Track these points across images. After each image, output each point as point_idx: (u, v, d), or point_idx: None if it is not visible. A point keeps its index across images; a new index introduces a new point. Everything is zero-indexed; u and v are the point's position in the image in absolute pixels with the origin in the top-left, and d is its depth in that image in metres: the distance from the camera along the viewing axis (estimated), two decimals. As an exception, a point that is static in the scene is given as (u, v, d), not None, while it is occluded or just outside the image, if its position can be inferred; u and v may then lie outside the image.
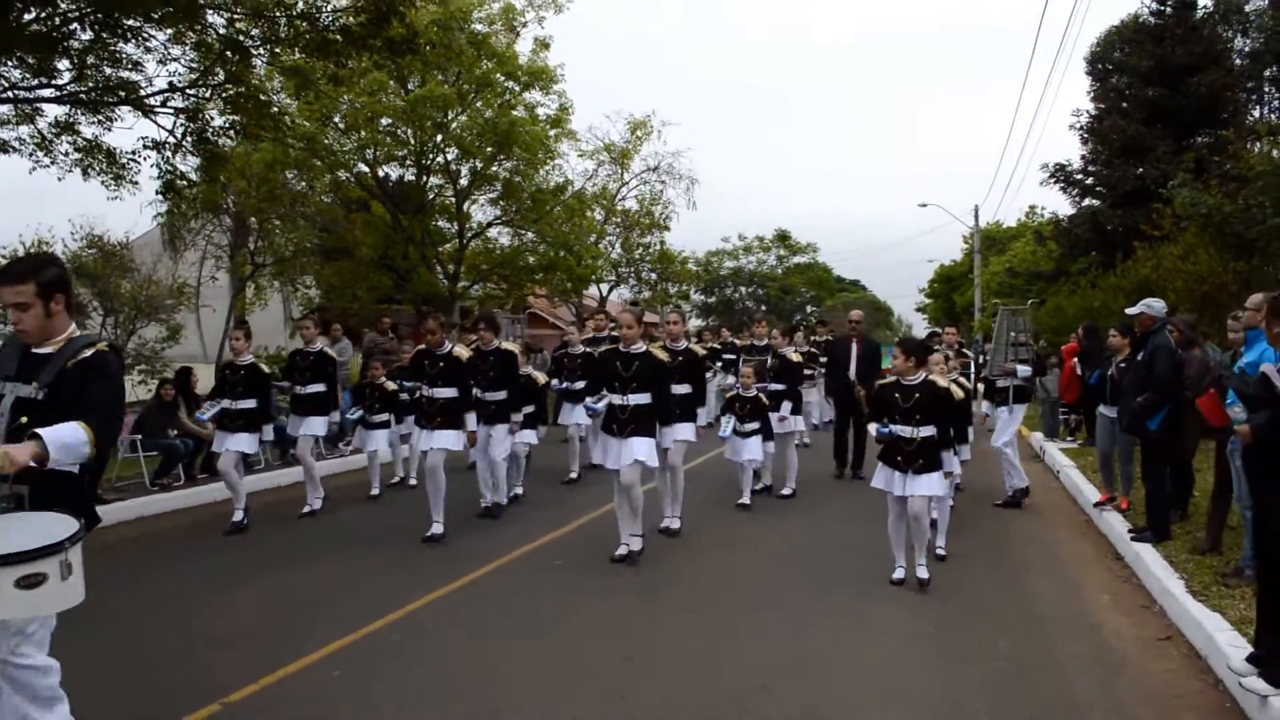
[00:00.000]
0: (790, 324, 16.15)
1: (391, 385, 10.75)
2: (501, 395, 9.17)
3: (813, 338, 17.81)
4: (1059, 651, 5.50)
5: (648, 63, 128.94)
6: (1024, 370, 9.99)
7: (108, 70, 10.85)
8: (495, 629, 5.81)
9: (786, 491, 10.42)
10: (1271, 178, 10.19)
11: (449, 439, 8.26)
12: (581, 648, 5.47)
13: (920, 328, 52.29)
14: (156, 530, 9.12)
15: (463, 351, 8.45)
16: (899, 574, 6.78)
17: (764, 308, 51.81)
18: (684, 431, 8.32)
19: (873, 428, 6.86)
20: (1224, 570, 6.45)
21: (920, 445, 6.59)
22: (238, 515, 8.89)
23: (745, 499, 9.77)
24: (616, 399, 7.26)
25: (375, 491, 10.69)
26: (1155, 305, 8.24)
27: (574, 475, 11.45)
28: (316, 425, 9.72)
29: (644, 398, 7.27)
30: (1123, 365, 8.64)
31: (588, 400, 7.50)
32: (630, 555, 7.42)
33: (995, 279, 38.44)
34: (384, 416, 10.99)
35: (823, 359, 16.85)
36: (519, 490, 10.31)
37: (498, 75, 19.97)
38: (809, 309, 55.75)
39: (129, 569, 7.43)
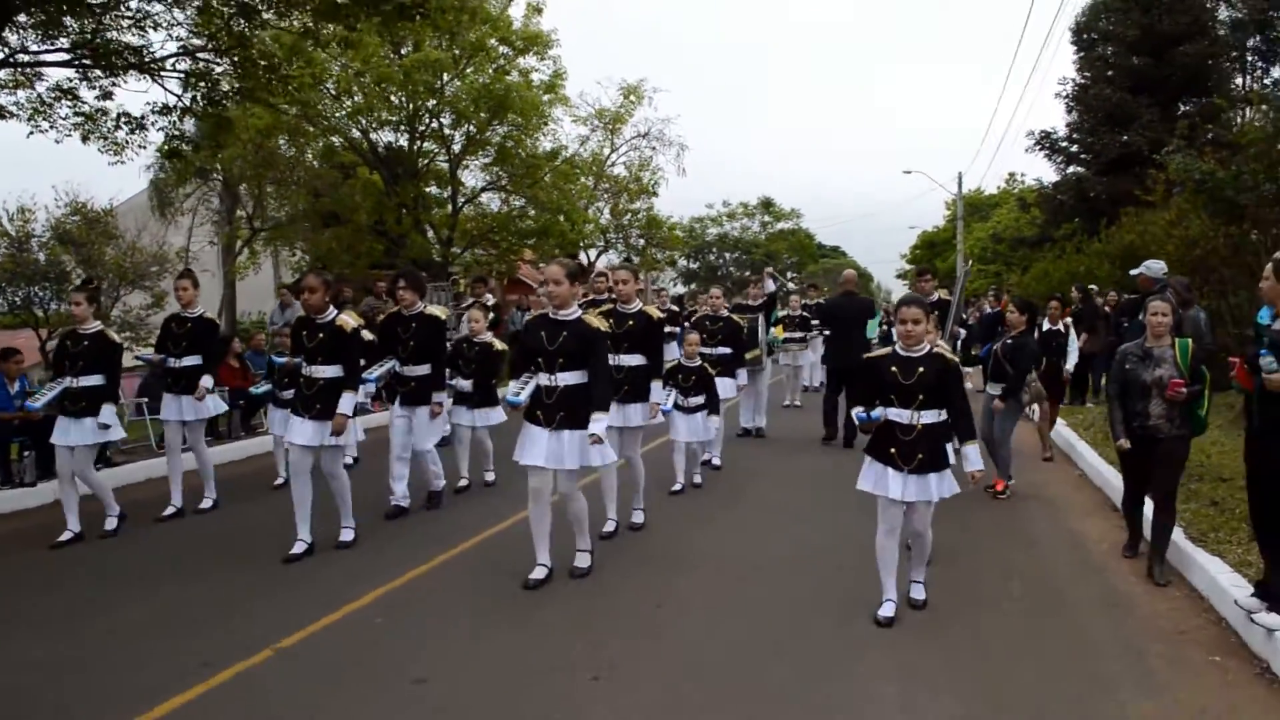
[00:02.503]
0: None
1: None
2: (424, 370, 7.73)
3: (804, 301, 17.96)
4: (1068, 595, 5.76)
5: (632, 30, 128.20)
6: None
7: (112, 35, 10.80)
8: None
9: (716, 462, 9.75)
10: (1263, 145, 10.41)
11: (329, 430, 6.53)
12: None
13: (900, 294, 52.71)
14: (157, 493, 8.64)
15: (347, 320, 6.66)
16: (888, 610, 5.16)
17: (749, 273, 52.13)
18: (635, 415, 7.00)
19: (855, 412, 5.38)
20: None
21: (921, 435, 5.11)
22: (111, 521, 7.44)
23: (697, 477, 8.86)
24: (543, 379, 5.78)
25: (279, 480, 9.09)
26: (1154, 267, 8.53)
27: None
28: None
29: (575, 376, 5.78)
30: (1009, 342, 8.28)
31: (510, 388, 5.85)
32: (575, 572, 6.05)
33: (979, 245, 38.82)
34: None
35: (814, 322, 17.16)
36: (489, 476, 9.03)
37: (491, 40, 19.97)
38: (789, 275, 56.02)
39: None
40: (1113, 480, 8.60)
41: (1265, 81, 27.59)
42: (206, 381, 7.79)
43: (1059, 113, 38.46)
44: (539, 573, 5.85)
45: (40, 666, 4.65)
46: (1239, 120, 22.66)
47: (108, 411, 7.16)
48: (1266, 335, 4.67)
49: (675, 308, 17.39)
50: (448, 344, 8.33)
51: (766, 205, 55.70)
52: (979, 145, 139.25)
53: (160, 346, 8.04)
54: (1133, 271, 8.57)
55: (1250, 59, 28.70)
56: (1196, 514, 6.92)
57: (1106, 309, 14.13)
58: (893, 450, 5.15)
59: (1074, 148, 28.01)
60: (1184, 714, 4.14)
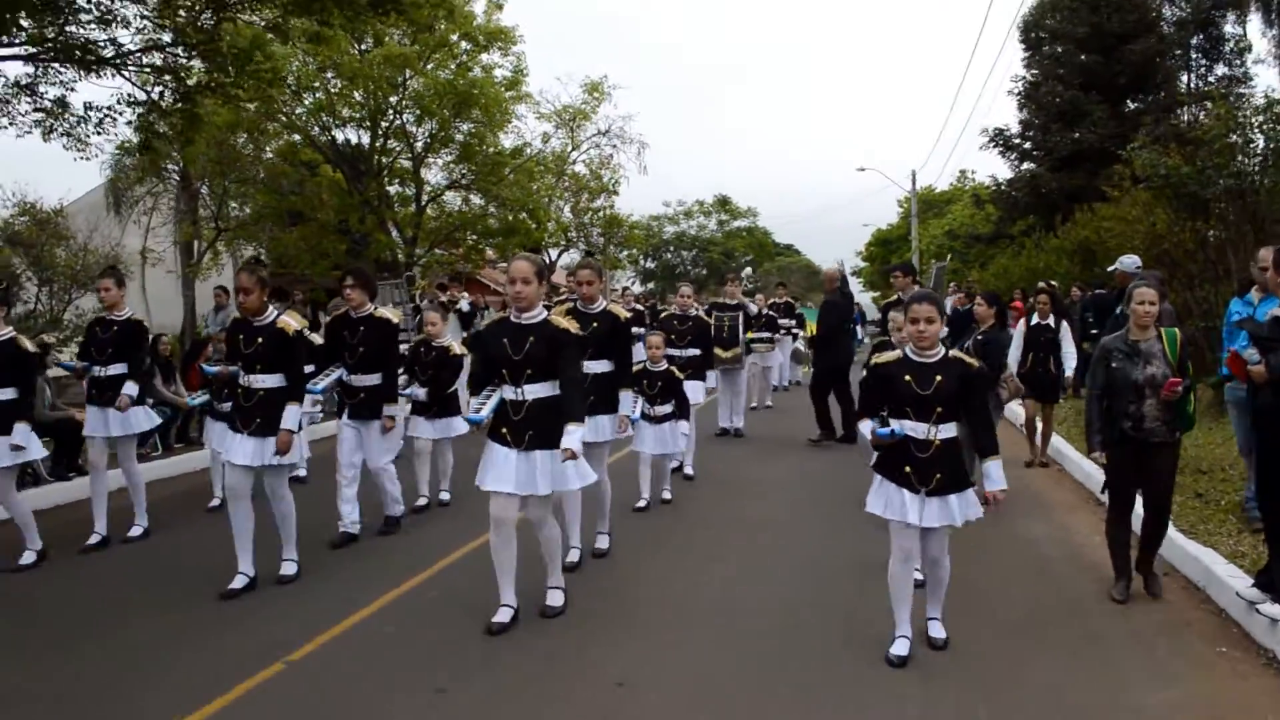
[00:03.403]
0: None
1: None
2: (374, 380, 6.98)
3: (772, 300, 18.06)
4: (1067, 591, 5.87)
5: (588, 24, 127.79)
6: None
7: (73, 29, 10.53)
8: None
9: (689, 472, 9.39)
10: (1222, 142, 10.67)
11: (272, 448, 5.80)
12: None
13: (854, 291, 53.22)
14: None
15: (289, 322, 5.95)
16: (901, 649, 4.63)
17: (705, 272, 52.45)
18: (602, 428, 6.15)
19: (865, 426, 4.77)
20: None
21: (939, 451, 4.56)
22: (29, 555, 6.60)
23: (642, 499, 7.97)
24: (509, 392, 5.09)
25: (215, 502, 8.31)
26: (1127, 262, 8.73)
27: None
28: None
29: (545, 387, 5.09)
30: (980, 338, 7.86)
31: (470, 405, 5.16)
32: (547, 610, 5.34)
33: (934, 242, 39.33)
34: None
35: (782, 321, 17.27)
36: (445, 495, 8.30)
37: (453, 36, 19.80)
38: (745, 272, 56.34)
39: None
40: (1094, 474, 8.76)
41: (1209, 79, 28.27)
42: (130, 390, 6.88)
43: (1012, 110, 39.17)
44: (503, 614, 5.11)
45: (39, 698, 4.38)
46: (1186, 118, 23.24)
47: (20, 430, 6.30)
48: (1253, 326, 4.78)
49: (640, 307, 17.24)
50: (402, 349, 7.79)
51: (723, 203, 55.94)
52: (933, 144, 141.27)
53: (84, 354, 7.25)
54: (1110, 268, 8.73)
55: (1194, 57, 29.39)
56: (1184, 506, 7.07)
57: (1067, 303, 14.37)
58: (908, 469, 4.57)
59: (1027, 144, 28.47)
60: (1203, 705, 4.24)
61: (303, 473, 9.05)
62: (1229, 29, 28.21)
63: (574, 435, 4.87)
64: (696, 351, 9.49)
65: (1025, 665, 4.68)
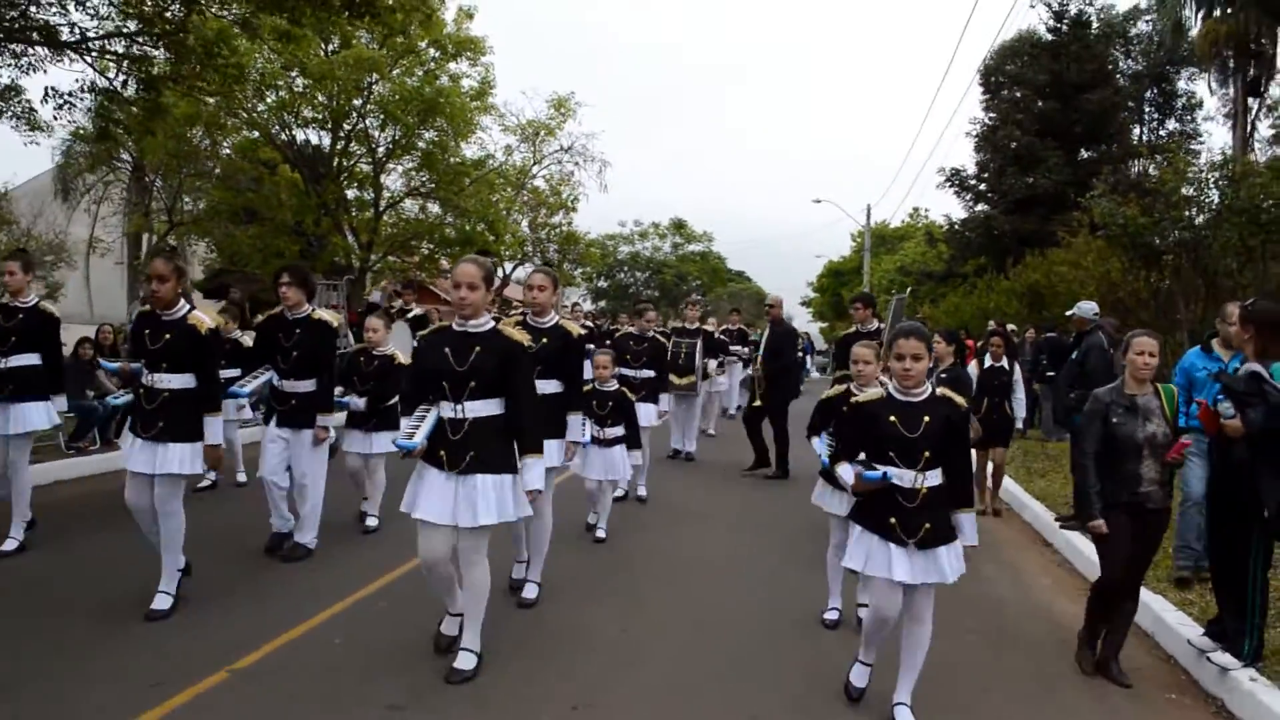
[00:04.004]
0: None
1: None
2: (307, 386, 6.44)
3: (724, 326, 18.06)
4: (1019, 630, 5.89)
5: (554, 42, 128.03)
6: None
7: (33, 11, 10.25)
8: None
9: (641, 493, 9.18)
10: (1178, 195, 10.93)
11: (177, 458, 5.22)
12: None
13: (802, 320, 53.69)
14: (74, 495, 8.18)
15: (202, 318, 5.39)
16: (858, 678, 4.47)
17: (657, 293, 52.54)
18: (548, 455, 5.13)
19: (845, 470, 4.35)
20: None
21: (926, 500, 4.17)
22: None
23: (600, 530, 7.57)
24: (447, 410, 4.50)
25: (206, 482, 8.26)
26: (1085, 308, 8.81)
27: None
28: None
29: (489, 405, 4.53)
30: (944, 375, 7.67)
31: (401, 429, 4.52)
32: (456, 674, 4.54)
33: (886, 277, 39.86)
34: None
35: (733, 346, 17.25)
36: (372, 521, 7.59)
37: (421, 42, 19.67)
38: (694, 297, 56.48)
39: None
40: (1042, 515, 8.86)
41: (1161, 133, 29.10)
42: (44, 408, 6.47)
43: (968, 151, 39.95)
44: (451, 625, 4.80)
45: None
46: (1137, 169, 23.87)
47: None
48: (1229, 379, 4.83)
49: (591, 324, 17.09)
50: (339, 355, 7.24)
51: (678, 226, 56.26)
52: (890, 180, 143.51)
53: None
54: (1068, 313, 8.83)
55: (1147, 110, 30.25)
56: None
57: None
58: (892, 520, 4.15)
59: (982, 186, 29.03)
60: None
61: (242, 478, 8.71)
62: (1182, 85, 29.13)
63: (535, 470, 4.46)
64: (650, 373, 9.34)
65: (975, 708, 4.66)
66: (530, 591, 5.87)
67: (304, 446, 6.48)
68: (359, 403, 7.35)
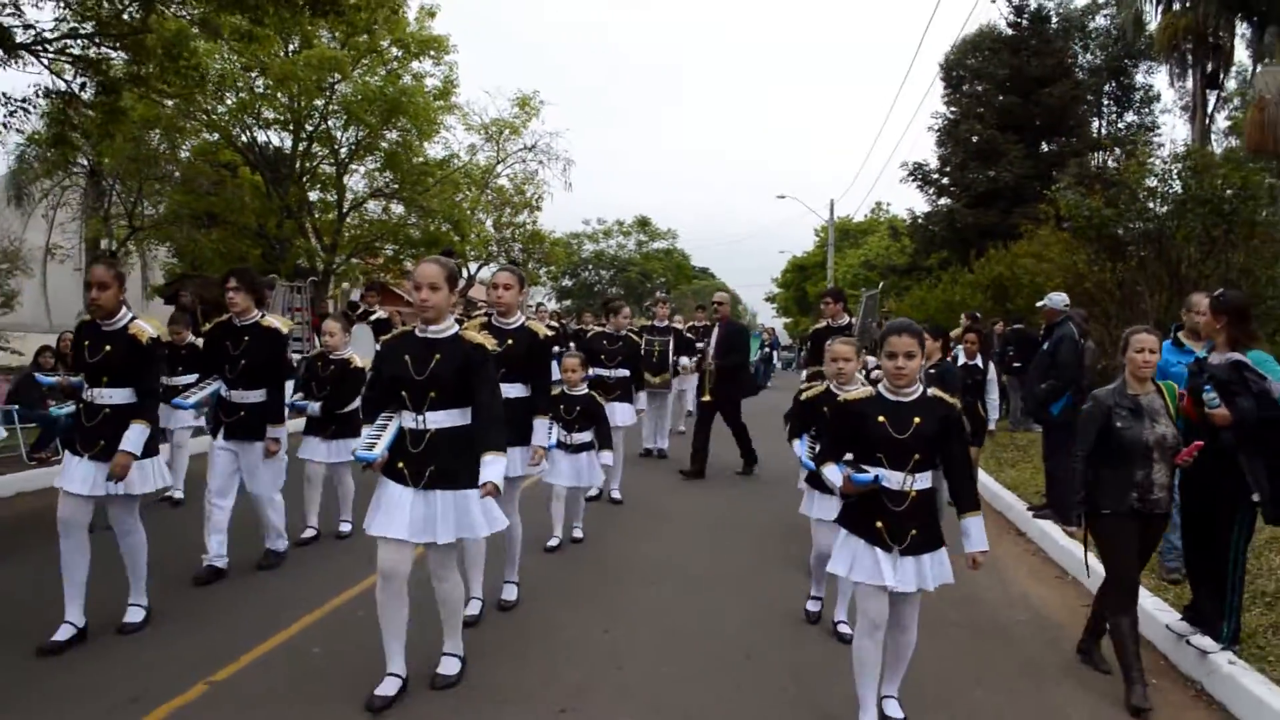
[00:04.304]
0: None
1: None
2: (257, 396, 6.12)
3: (690, 323, 18.03)
4: (1001, 618, 5.92)
5: (518, 41, 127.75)
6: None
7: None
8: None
9: (615, 495, 9.09)
10: (1142, 186, 11.06)
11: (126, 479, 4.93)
12: None
13: (767, 315, 54.01)
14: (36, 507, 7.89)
15: (144, 327, 5.06)
16: None
17: (621, 291, 52.55)
18: (513, 462, 5.11)
19: (832, 472, 4.16)
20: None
21: (914, 504, 4.01)
22: None
23: (576, 529, 7.49)
24: (408, 420, 4.32)
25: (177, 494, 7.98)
26: (1056, 299, 8.89)
27: None
28: None
29: (453, 415, 4.34)
30: (931, 370, 7.42)
31: (362, 437, 4.31)
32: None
33: (850, 272, 40.09)
34: None
35: (699, 344, 17.20)
36: (345, 526, 7.43)
37: (383, 41, 19.51)
38: (658, 294, 56.59)
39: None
40: (1015, 504, 8.94)
41: (1119, 126, 29.50)
42: None
43: (931, 145, 40.41)
44: (389, 686, 4.29)
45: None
46: (1096, 162, 24.16)
47: None
48: (1208, 370, 4.88)
49: (558, 325, 16.95)
50: (295, 362, 6.94)
51: (643, 224, 56.30)
52: (854, 175, 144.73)
53: None
54: (1039, 304, 8.91)
55: (1106, 104, 30.65)
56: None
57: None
58: (879, 524, 3.99)
59: (944, 180, 29.23)
60: (1140, 739, 4.28)
61: (179, 494, 8.29)
62: (1140, 78, 29.56)
63: (495, 466, 4.16)
64: (625, 373, 9.21)
65: (960, 694, 4.68)
66: (510, 593, 5.78)
67: (255, 459, 6.20)
68: (314, 407, 7.11)
